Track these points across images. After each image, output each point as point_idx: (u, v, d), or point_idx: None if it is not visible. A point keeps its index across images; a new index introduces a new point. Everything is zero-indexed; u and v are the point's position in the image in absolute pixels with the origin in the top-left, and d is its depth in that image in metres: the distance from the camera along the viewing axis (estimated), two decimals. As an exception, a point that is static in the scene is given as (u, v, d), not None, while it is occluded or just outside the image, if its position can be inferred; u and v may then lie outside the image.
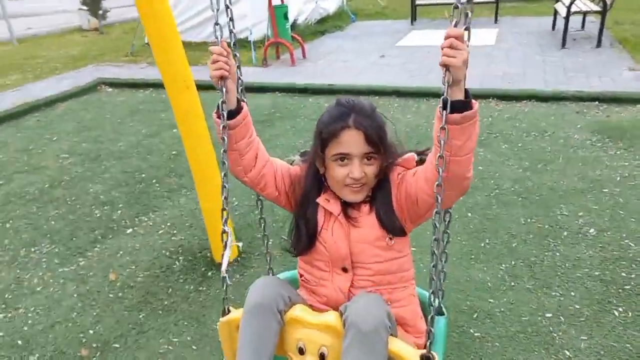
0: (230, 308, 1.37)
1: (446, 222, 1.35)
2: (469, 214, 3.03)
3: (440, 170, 1.09)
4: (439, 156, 1.09)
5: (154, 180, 3.83)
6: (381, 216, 1.28)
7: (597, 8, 7.20)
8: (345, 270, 1.32)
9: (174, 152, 4.36)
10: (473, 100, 1.10)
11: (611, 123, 4.29)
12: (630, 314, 2.13)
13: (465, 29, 1.09)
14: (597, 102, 4.80)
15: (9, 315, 2.42)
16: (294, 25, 10.10)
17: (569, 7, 7.14)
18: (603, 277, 2.36)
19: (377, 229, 1.29)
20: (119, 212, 3.38)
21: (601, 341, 1.99)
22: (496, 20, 9.77)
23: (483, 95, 5.29)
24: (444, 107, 1.08)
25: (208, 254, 2.75)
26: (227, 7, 1.35)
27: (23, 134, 5.22)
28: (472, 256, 2.61)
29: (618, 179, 3.33)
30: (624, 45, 6.99)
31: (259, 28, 8.51)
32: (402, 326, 1.34)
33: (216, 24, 1.29)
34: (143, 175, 3.95)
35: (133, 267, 2.73)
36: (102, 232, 3.14)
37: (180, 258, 2.77)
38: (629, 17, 8.85)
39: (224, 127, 1.26)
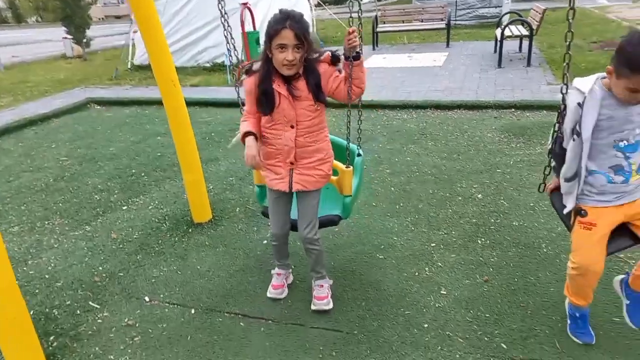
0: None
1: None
2: (392, 188, 3.92)
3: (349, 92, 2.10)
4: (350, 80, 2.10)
5: (142, 174, 4.64)
6: (312, 90, 2.14)
7: (526, 33, 8.38)
8: (292, 126, 2.19)
9: (158, 154, 5.17)
10: (361, 55, 2.07)
11: (519, 123, 5.29)
12: (488, 242, 3.02)
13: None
14: (512, 109, 5.83)
15: (35, 262, 3.18)
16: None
17: (502, 32, 8.31)
18: (477, 223, 3.26)
19: (309, 99, 2.15)
20: (115, 196, 4.17)
21: (464, 257, 2.87)
22: (448, 44, 10.95)
23: (423, 106, 6.29)
24: (355, 58, 2.08)
25: (188, 218, 3.56)
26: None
27: (24, 143, 5.96)
28: (388, 214, 3.49)
29: (511, 162, 4.28)
30: (551, 65, 8.13)
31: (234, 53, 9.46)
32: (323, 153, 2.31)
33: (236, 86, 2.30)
34: (133, 170, 4.74)
35: (130, 229, 3.52)
36: (102, 209, 3.91)
37: (167, 222, 3.58)
38: (563, 41, 10.11)
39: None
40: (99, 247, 3.30)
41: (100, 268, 3.04)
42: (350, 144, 2.52)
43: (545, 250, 2.87)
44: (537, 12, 8.67)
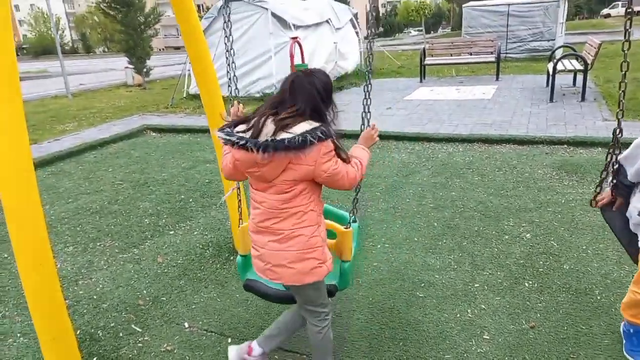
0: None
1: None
2: (434, 223, 3.84)
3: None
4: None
5: (190, 200, 4.79)
6: None
7: (580, 67, 8.13)
8: None
9: (207, 180, 5.35)
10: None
11: (572, 160, 5.08)
12: (536, 285, 2.87)
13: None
14: (565, 145, 5.62)
15: (85, 282, 3.32)
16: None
17: (554, 67, 8.11)
18: (525, 264, 3.12)
19: None
20: (164, 220, 4.32)
21: (510, 300, 2.74)
22: (497, 77, 10.79)
23: (470, 140, 6.19)
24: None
25: (231, 245, 3.63)
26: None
27: (83, 167, 6.34)
28: (430, 250, 3.41)
29: (563, 201, 4.10)
30: (607, 100, 7.81)
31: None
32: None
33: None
34: (182, 196, 4.92)
35: (175, 254, 3.62)
36: (151, 233, 4.06)
37: (210, 248, 3.66)
38: (619, 75, 9.71)
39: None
40: (145, 270, 3.42)
41: (145, 292, 3.14)
42: (342, 212, 2.44)
43: (598, 297, 2.69)
44: (592, 46, 8.41)
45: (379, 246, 3.54)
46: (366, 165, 1.97)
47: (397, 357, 2.34)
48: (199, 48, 3.04)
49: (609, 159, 2.19)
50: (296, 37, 9.21)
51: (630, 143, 2.10)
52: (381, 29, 48.19)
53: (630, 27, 2.07)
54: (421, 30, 48.29)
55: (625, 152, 2.11)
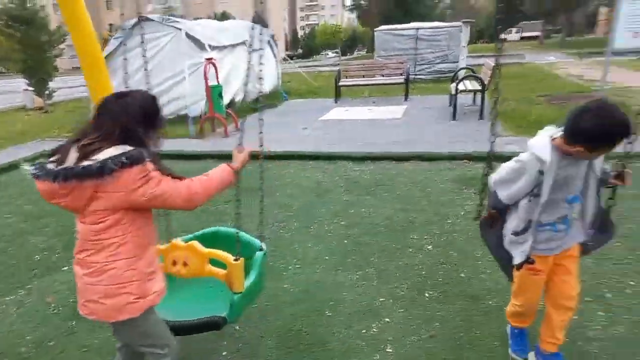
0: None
1: None
2: (345, 241, 3.90)
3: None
4: None
5: (90, 230, 4.47)
6: None
7: (478, 87, 8.82)
8: None
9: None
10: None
11: (470, 174, 5.44)
12: (435, 294, 3.00)
13: None
14: (465, 160, 6.02)
15: (-41, 330, 2.94)
16: (232, 103, 11.27)
17: (456, 87, 8.72)
18: (426, 275, 3.26)
19: None
20: (57, 255, 3.97)
21: (412, 312, 2.83)
22: (406, 98, 11.38)
23: (380, 158, 6.43)
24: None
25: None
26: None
27: (-33, 199, 5.70)
28: (340, 268, 3.45)
29: (462, 213, 4.36)
30: (501, 117, 8.51)
31: (199, 105, 9.59)
32: None
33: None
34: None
35: (67, 292, 3.32)
36: (41, 270, 3.71)
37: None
38: (515, 95, 10.65)
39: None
40: (31, 312, 3.10)
41: (29, 337, 2.84)
42: (250, 236, 2.46)
43: (490, 302, 2.87)
44: (488, 68, 9.18)
45: (290, 267, 3.52)
46: (221, 183, 1.91)
47: (302, 380, 2.31)
48: (95, 68, 2.89)
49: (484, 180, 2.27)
50: (211, 58, 9.10)
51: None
52: (299, 51, 49.19)
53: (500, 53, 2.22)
54: (338, 52, 49.96)
55: (499, 176, 2.11)
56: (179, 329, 2.11)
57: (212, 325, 2.11)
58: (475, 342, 2.51)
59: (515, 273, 2.20)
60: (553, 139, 1.94)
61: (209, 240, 2.47)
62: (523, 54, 27.05)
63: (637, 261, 3.24)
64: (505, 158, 2.21)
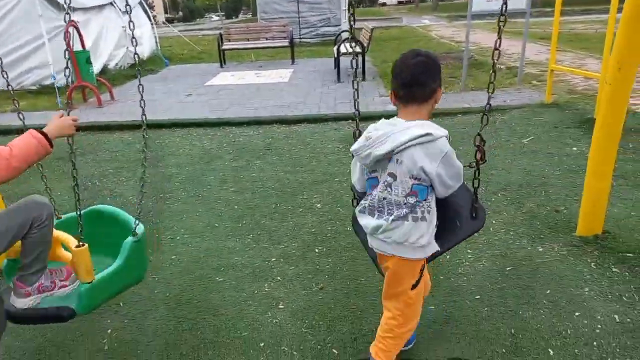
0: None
1: None
2: (235, 207, 3.86)
3: None
4: None
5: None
6: None
7: (359, 50, 9.07)
8: None
9: None
10: None
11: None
12: (325, 249, 3.13)
13: None
14: (349, 121, 6.22)
15: None
16: (105, 70, 10.30)
17: (338, 50, 8.88)
18: (315, 232, 3.37)
19: None
20: None
21: (303, 268, 2.92)
22: (293, 61, 11.36)
23: (269, 122, 6.40)
24: None
25: None
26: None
27: None
28: (230, 233, 3.41)
29: (347, 171, 4.50)
30: (383, 78, 8.91)
31: (66, 73, 8.59)
32: None
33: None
34: None
35: None
36: None
37: None
38: (393, 57, 11.17)
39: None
40: None
41: None
42: (127, 214, 2.27)
43: (374, 251, 3.06)
44: (366, 30, 9.47)
45: (177, 238, 3.40)
46: (28, 151, 1.71)
47: (193, 347, 2.28)
48: None
49: None
50: (72, 21, 8.13)
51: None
52: (180, 14, 46.22)
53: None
54: (219, 15, 47.81)
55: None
56: (22, 319, 1.92)
57: (56, 317, 1.89)
58: (361, 289, 2.67)
59: None
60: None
61: (94, 220, 2.27)
62: (401, 17, 28.39)
63: (496, 203, 3.67)
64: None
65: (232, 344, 2.28)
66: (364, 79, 8.80)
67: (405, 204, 1.75)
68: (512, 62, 9.67)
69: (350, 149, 1.88)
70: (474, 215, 1.93)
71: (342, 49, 8.98)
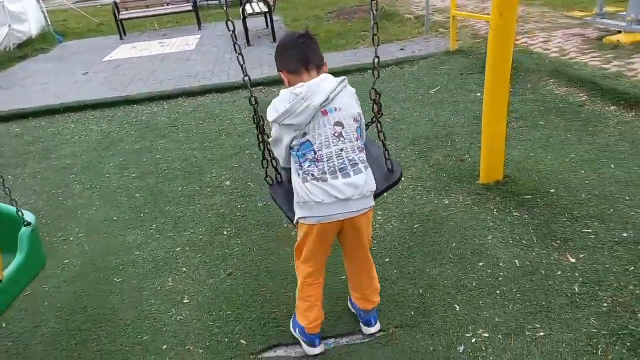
0: None
1: None
2: (137, 195, 3.58)
3: None
4: None
5: None
6: None
7: (265, 9, 8.67)
8: None
9: None
10: None
11: (266, 100, 5.37)
12: (234, 230, 2.97)
13: None
14: (261, 87, 5.96)
15: None
16: (-17, 54, 9.13)
17: (243, 11, 8.42)
18: (224, 212, 3.19)
19: None
20: None
21: (210, 254, 2.76)
22: (200, 27, 10.68)
23: (174, 96, 5.97)
24: None
25: None
26: None
27: None
28: (131, 226, 3.15)
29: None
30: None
31: None
32: None
33: None
34: None
35: None
36: None
37: None
38: (305, 14, 10.80)
39: None
40: None
41: None
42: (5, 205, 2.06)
43: (285, 226, 2.93)
44: (272, -12, 9.01)
45: (71, 238, 3.09)
46: None
47: (89, 361, 2.08)
48: None
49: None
50: None
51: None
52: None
53: None
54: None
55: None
56: None
57: None
58: (272, 269, 2.56)
59: None
60: None
61: None
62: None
63: (405, 158, 3.65)
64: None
65: (131, 352, 2.10)
66: (274, 40, 8.45)
67: (359, 147, 1.73)
68: (420, 10, 9.70)
69: (273, 118, 1.72)
70: (389, 168, 1.94)
71: (248, 9, 8.52)
